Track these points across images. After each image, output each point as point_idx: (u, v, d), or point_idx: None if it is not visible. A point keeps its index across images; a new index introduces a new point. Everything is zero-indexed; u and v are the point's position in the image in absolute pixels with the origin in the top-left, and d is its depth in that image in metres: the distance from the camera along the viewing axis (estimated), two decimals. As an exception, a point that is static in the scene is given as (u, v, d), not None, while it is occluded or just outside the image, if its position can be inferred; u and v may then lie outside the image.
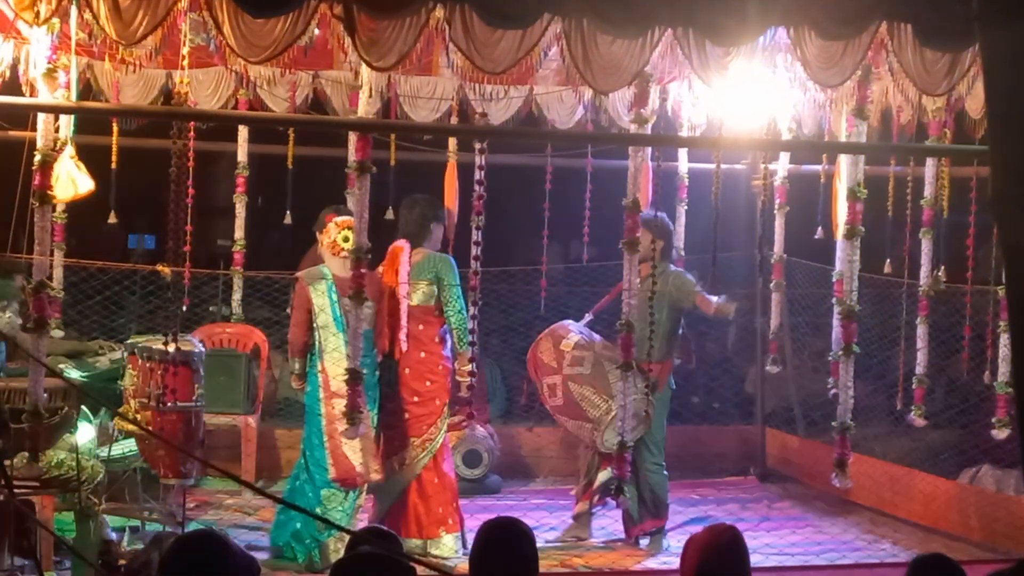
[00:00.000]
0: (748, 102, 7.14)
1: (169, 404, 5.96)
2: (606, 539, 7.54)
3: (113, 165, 7.65)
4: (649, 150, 6.89)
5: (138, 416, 6.10)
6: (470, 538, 5.13)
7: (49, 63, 5.75)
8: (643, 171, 6.73)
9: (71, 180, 6.43)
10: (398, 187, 7.92)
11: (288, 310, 8.03)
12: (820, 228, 8.03)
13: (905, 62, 6.07)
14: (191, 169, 7.39)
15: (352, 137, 7.21)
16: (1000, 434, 7.09)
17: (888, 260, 8.01)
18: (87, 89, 7.38)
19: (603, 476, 7.22)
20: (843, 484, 6.67)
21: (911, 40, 6.02)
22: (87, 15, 5.56)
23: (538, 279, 8.50)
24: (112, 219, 8.01)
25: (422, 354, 7.01)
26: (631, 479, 6.95)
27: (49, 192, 5.84)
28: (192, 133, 7.58)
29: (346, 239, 6.66)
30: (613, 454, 6.77)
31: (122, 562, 6.02)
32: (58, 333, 7.37)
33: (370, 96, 6.21)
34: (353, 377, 6.10)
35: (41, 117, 5.85)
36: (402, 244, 6.99)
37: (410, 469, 6.96)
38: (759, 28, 5.93)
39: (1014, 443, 7.05)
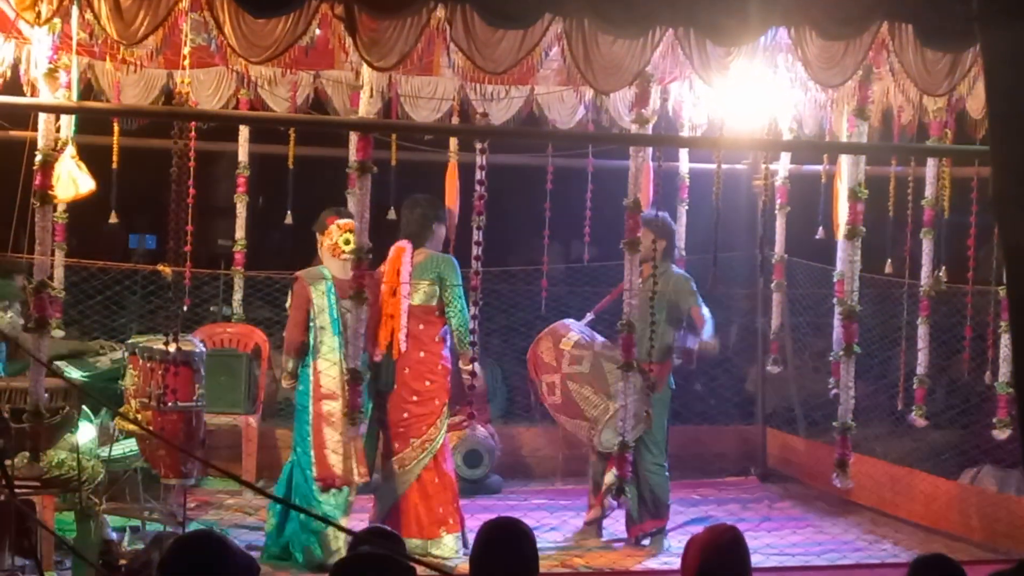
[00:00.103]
0: (749, 102, 7.14)
1: (170, 404, 5.95)
2: (606, 539, 7.53)
3: (114, 165, 7.64)
4: (650, 150, 6.88)
5: (139, 416, 6.10)
6: (471, 538, 5.12)
7: (50, 63, 5.75)
8: (644, 171, 6.72)
9: (72, 180, 6.42)
10: (399, 187, 7.91)
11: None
12: (821, 228, 8.01)
13: (906, 62, 6.07)
14: (192, 169, 7.39)
15: (353, 137, 7.20)
16: (1001, 434, 7.09)
17: (889, 260, 8.00)
18: (88, 89, 7.38)
19: (609, 478, 7.21)
20: (844, 484, 6.67)
21: (912, 40, 6.02)
22: (88, 15, 5.57)
23: (539, 279, 8.49)
24: (113, 219, 8.01)
25: (421, 354, 7.00)
26: (631, 479, 6.95)
27: (50, 192, 5.84)
28: (193, 133, 7.58)
29: (347, 242, 6.66)
30: (611, 453, 6.77)
31: (123, 562, 6.01)
32: (59, 333, 7.37)
33: (371, 96, 6.21)
34: (353, 377, 6.11)
35: (42, 117, 5.85)
36: (404, 244, 7.00)
37: (410, 470, 6.96)
38: (760, 28, 5.93)
39: (1015, 443, 7.06)
